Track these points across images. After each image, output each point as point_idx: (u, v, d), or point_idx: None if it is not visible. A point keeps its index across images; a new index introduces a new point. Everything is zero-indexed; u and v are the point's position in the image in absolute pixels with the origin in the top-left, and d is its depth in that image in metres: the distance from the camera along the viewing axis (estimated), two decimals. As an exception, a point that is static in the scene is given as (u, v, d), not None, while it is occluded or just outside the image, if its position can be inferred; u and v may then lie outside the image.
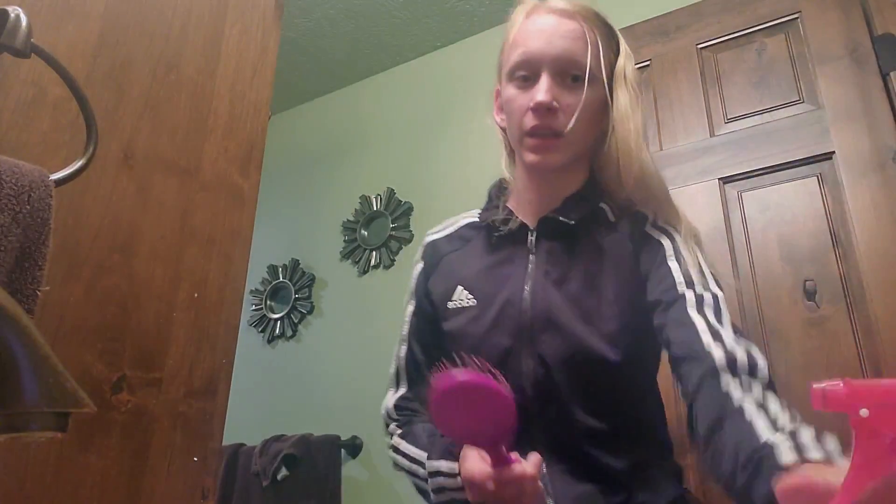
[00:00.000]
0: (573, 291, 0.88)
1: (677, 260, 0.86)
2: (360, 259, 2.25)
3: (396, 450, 1.02)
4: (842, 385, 0.82)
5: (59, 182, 0.57)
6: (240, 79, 0.89)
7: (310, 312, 2.32)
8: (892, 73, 1.39)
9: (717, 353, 0.74)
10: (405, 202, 2.23)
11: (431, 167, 2.25)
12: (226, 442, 0.81)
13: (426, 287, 1.03)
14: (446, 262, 1.02)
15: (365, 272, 2.24)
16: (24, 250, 0.51)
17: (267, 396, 2.25)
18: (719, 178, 1.51)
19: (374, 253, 2.23)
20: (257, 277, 2.45)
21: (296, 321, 2.32)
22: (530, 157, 0.91)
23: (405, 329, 1.07)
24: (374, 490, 1.95)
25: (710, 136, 1.56)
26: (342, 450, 1.96)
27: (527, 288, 0.90)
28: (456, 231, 1.06)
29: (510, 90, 0.93)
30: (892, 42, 1.42)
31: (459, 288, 0.96)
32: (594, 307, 0.87)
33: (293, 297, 2.34)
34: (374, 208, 2.27)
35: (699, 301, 0.81)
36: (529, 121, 0.89)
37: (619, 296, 0.87)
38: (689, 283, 0.83)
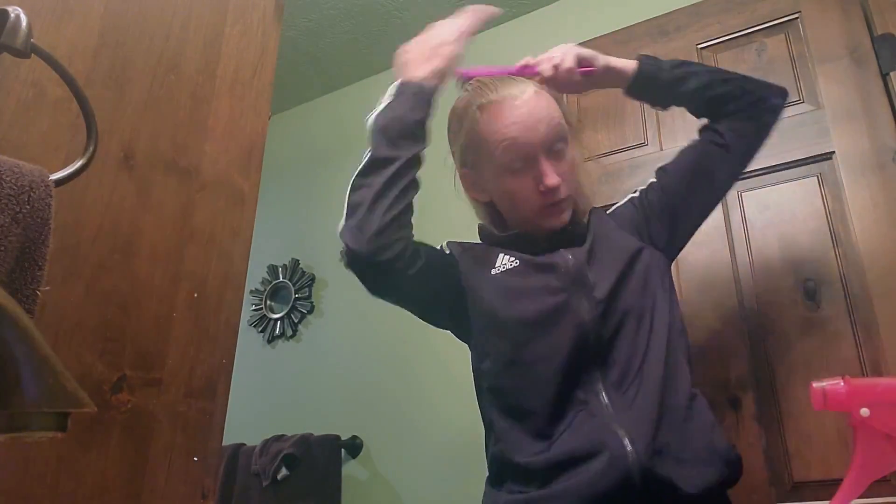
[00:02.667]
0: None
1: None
2: (360, 259, 2.25)
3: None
4: (842, 384, 0.82)
5: (59, 182, 0.57)
6: (240, 79, 0.89)
7: (310, 312, 2.31)
8: (892, 73, 1.39)
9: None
10: (405, 202, 2.23)
11: (432, 167, 2.24)
12: (226, 442, 0.81)
13: (455, 259, 1.07)
14: (471, 252, 1.08)
15: (365, 272, 2.24)
16: (23, 250, 0.51)
17: (267, 396, 2.25)
18: (719, 178, 1.51)
19: (374, 253, 2.23)
20: (257, 277, 2.44)
21: (296, 321, 2.32)
22: (552, 223, 1.03)
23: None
24: (374, 490, 1.95)
25: (710, 136, 1.56)
26: (342, 450, 1.96)
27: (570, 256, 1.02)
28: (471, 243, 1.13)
29: (508, 182, 1.03)
30: (892, 42, 1.42)
31: (501, 255, 1.04)
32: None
33: (293, 297, 2.34)
34: (374, 208, 2.27)
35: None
36: (541, 200, 1.01)
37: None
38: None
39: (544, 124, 1.01)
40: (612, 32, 1.77)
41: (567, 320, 0.95)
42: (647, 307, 0.98)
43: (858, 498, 0.80)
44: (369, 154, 0.99)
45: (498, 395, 0.99)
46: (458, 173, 1.13)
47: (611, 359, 0.94)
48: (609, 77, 1.10)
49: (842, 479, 0.81)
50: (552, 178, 0.99)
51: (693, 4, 1.68)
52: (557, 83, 1.07)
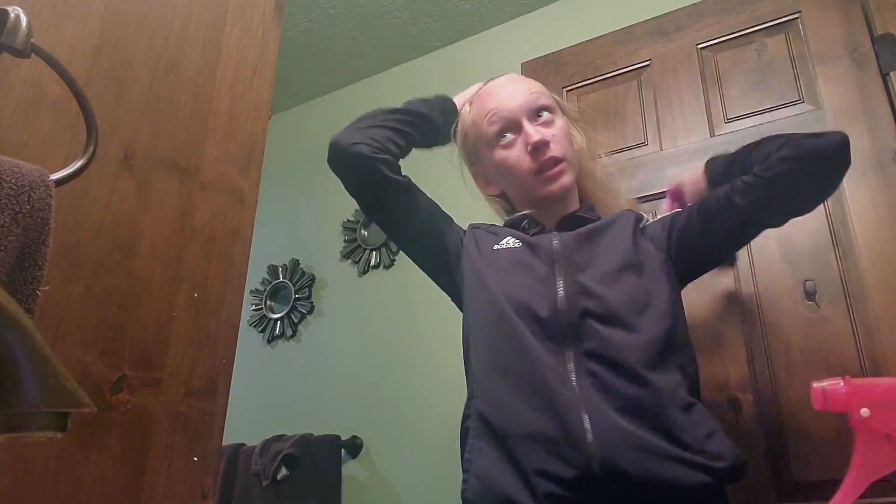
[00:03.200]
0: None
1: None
2: (360, 259, 2.25)
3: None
4: (842, 384, 0.82)
5: (59, 182, 0.57)
6: (240, 79, 0.89)
7: (310, 312, 2.32)
8: (892, 73, 1.39)
9: None
10: (405, 202, 2.23)
11: (432, 167, 2.25)
12: (226, 442, 0.81)
13: (461, 233, 1.14)
14: (485, 230, 1.14)
15: (365, 272, 2.24)
16: (23, 250, 0.51)
17: (267, 396, 2.25)
18: (719, 178, 1.51)
19: (374, 253, 2.23)
20: (257, 277, 2.44)
21: (296, 321, 2.32)
22: (551, 187, 1.06)
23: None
24: (374, 490, 1.95)
25: (711, 137, 1.56)
26: (342, 450, 1.96)
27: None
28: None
29: (499, 154, 1.09)
30: (892, 42, 1.42)
31: (508, 237, 1.08)
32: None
33: (293, 297, 2.34)
34: (374, 208, 2.27)
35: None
36: (533, 163, 1.06)
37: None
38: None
39: (522, 92, 1.10)
40: (612, 32, 1.77)
41: (542, 297, 0.97)
42: (640, 306, 0.97)
43: (858, 498, 0.80)
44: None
45: (483, 351, 1.01)
46: (471, 176, 1.21)
47: (587, 342, 0.93)
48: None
49: (842, 479, 0.81)
50: (535, 136, 1.05)
51: (693, 4, 1.68)
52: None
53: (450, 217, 1.16)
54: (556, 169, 1.06)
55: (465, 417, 0.99)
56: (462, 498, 0.93)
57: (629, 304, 0.96)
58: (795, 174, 0.95)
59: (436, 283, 1.15)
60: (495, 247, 1.07)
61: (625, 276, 0.99)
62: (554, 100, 1.14)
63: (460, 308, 1.11)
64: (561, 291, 0.97)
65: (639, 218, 1.10)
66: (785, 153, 0.95)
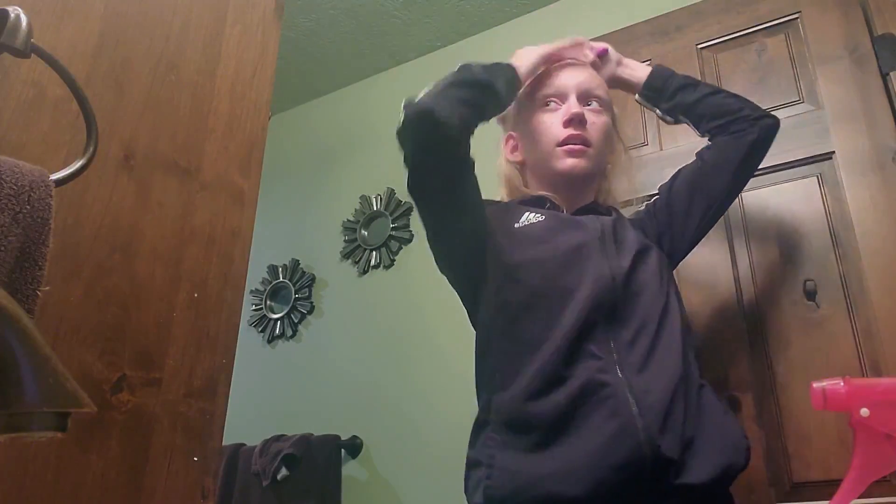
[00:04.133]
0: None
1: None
2: (360, 259, 2.25)
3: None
4: (842, 384, 0.82)
5: (59, 182, 0.57)
6: (240, 79, 0.89)
7: (310, 312, 2.31)
8: (892, 73, 1.39)
9: None
10: (405, 202, 2.23)
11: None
12: (226, 442, 0.81)
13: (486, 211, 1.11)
14: (495, 206, 1.13)
15: (365, 272, 2.24)
16: (24, 250, 0.51)
17: (267, 396, 2.25)
18: (719, 178, 1.51)
19: (374, 253, 2.23)
20: (257, 277, 2.44)
21: (296, 321, 2.32)
22: (564, 163, 1.07)
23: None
24: (374, 490, 1.95)
25: (710, 136, 1.56)
26: (342, 450, 1.96)
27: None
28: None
29: (540, 116, 1.11)
30: (892, 42, 1.42)
31: (527, 213, 1.08)
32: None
33: (293, 297, 2.34)
34: (375, 208, 2.27)
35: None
36: (563, 133, 1.07)
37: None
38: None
39: (585, 75, 1.14)
40: (612, 32, 1.77)
41: (589, 267, 0.98)
42: (664, 292, 1.01)
43: (858, 498, 0.80)
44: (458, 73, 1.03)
45: (511, 337, 0.98)
46: (503, 140, 1.20)
47: (627, 324, 0.95)
48: (624, 73, 1.22)
49: (842, 479, 0.81)
50: (575, 107, 1.07)
51: (693, 4, 1.68)
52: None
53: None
54: (578, 148, 1.07)
55: (484, 410, 0.98)
56: (485, 494, 0.89)
57: (654, 293, 1.00)
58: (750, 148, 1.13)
59: (458, 278, 1.10)
60: (517, 224, 1.06)
61: (642, 267, 1.03)
62: (609, 103, 1.17)
63: (469, 304, 1.10)
64: (608, 270, 0.99)
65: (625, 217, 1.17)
66: (770, 122, 1.15)
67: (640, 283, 1.00)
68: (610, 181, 1.20)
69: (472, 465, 0.95)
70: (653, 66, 1.23)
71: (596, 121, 1.10)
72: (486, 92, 1.03)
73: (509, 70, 1.08)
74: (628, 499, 0.85)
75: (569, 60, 1.18)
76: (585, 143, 1.07)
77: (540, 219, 1.06)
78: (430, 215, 1.06)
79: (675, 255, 1.14)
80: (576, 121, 1.07)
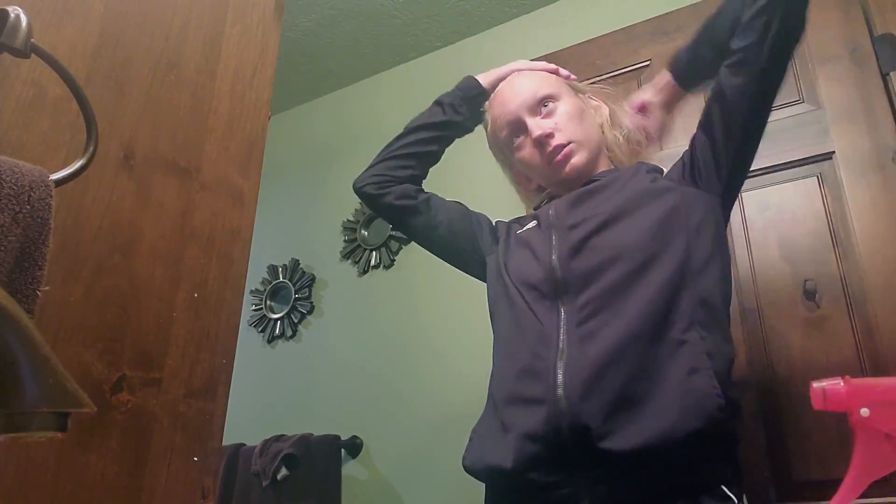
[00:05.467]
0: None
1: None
2: (360, 259, 2.25)
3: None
4: (842, 384, 0.82)
5: (59, 182, 0.57)
6: (240, 79, 0.89)
7: (310, 312, 2.32)
8: (892, 73, 1.39)
9: None
10: (405, 202, 2.23)
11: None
12: (226, 442, 0.81)
13: (494, 225, 1.20)
14: (517, 220, 1.19)
15: (365, 272, 2.24)
16: (24, 250, 0.51)
17: (267, 396, 2.25)
18: (719, 178, 1.51)
19: (374, 253, 2.23)
20: (257, 277, 2.44)
21: (296, 321, 2.32)
22: (564, 171, 1.08)
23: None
24: (374, 490, 1.95)
25: (710, 136, 1.56)
26: (342, 450, 1.96)
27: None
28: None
29: (517, 155, 1.14)
30: (892, 42, 1.42)
31: (532, 221, 1.12)
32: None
33: (293, 297, 2.34)
34: (374, 208, 2.27)
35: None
36: (544, 154, 1.09)
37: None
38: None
39: (522, 92, 1.13)
40: (612, 32, 1.77)
41: (539, 260, 1.01)
42: (660, 241, 0.94)
43: (858, 498, 0.80)
44: None
45: (496, 336, 1.07)
46: (514, 178, 1.25)
47: (579, 296, 0.94)
48: (659, 99, 1.21)
49: (842, 479, 0.81)
50: (535, 130, 1.08)
51: (693, 4, 1.68)
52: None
53: (482, 219, 1.21)
54: (563, 153, 1.08)
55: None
56: (463, 463, 1.00)
57: (629, 255, 0.94)
58: (778, 20, 0.94)
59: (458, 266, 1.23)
60: (518, 232, 1.11)
61: (618, 224, 0.98)
62: (563, 82, 1.17)
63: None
64: (554, 254, 1.00)
65: (652, 168, 1.10)
66: (758, 6, 0.95)
67: (603, 247, 0.96)
68: (613, 145, 1.14)
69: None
70: (666, 66, 1.21)
71: (556, 117, 1.10)
72: (418, 134, 1.23)
73: (462, 88, 1.25)
74: (557, 466, 0.85)
75: (500, 84, 1.19)
76: (562, 145, 1.07)
77: (535, 224, 1.10)
78: (421, 243, 1.23)
79: (724, 189, 1.01)
80: (543, 140, 1.08)
